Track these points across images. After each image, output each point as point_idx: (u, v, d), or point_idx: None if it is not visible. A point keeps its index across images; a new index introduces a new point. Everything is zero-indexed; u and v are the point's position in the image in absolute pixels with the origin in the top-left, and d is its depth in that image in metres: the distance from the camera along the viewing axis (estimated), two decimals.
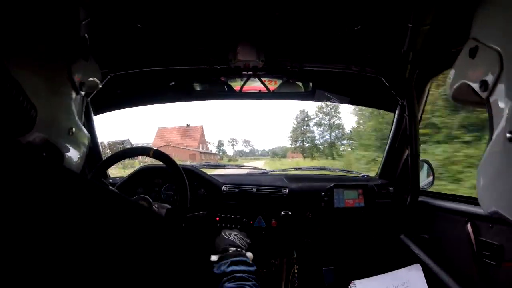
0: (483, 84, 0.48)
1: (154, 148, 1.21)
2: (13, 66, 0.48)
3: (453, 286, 1.11)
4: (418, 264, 1.29)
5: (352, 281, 1.33)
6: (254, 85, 1.59)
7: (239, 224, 1.56)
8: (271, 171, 1.98)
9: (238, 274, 0.86)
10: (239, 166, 2.15)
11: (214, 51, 1.40)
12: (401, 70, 1.30)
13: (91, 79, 0.74)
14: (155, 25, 1.19)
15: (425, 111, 1.54)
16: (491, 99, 0.48)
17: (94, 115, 1.61)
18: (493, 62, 0.46)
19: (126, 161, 1.42)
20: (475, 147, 2.81)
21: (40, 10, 0.55)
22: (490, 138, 0.49)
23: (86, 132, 0.72)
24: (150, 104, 1.91)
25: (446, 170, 2.95)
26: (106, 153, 1.91)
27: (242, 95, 1.61)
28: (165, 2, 1.06)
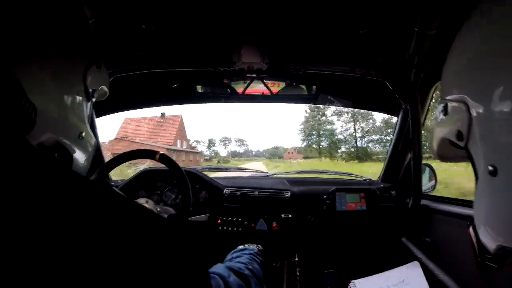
0: (459, 134, 0.52)
1: (161, 152, 1.21)
2: (30, 69, 0.49)
3: None
4: (416, 262, 1.29)
5: (352, 281, 1.33)
6: (257, 87, 1.58)
7: (240, 227, 1.55)
8: (273, 174, 1.99)
9: (246, 251, 0.94)
10: (241, 169, 2.16)
11: (218, 53, 1.40)
12: (406, 74, 1.30)
13: (101, 87, 0.76)
14: (159, 26, 1.19)
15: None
16: (469, 146, 0.51)
17: (97, 117, 1.60)
18: (463, 112, 0.50)
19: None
20: None
21: (54, 14, 0.56)
22: (476, 179, 0.52)
23: (93, 136, 0.73)
24: (152, 106, 1.91)
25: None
26: None
27: (245, 97, 1.61)
28: (170, 4, 1.06)
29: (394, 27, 1.14)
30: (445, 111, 0.56)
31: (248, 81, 1.54)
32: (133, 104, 1.83)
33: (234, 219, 1.56)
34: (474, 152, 0.51)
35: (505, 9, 0.43)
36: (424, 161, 1.44)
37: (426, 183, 1.55)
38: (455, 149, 0.55)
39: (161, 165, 1.28)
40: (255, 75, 1.49)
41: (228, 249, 1.57)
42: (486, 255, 0.97)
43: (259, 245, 1.16)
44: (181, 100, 1.82)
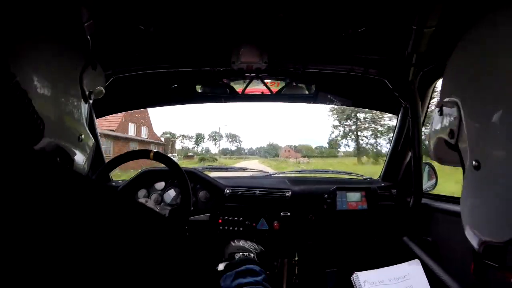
0: (451, 132, 0.56)
1: (154, 150, 1.21)
2: (26, 74, 0.49)
3: None
4: (417, 260, 1.29)
5: (355, 272, 1.33)
6: (257, 87, 1.58)
7: (241, 227, 1.56)
8: (273, 174, 1.99)
9: (252, 278, 0.81)
10: (242, 169, 2.16)
11: (217, 53, 1.40)
12: (405, 72, 1.30)
13: (98, 87, 0.76)
14: (157, 27, 1.19)
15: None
16: (459, 143, 0.55)
17: (96, 118, 1.60)
18: (454, 112, 0.54)
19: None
20: None
21: (47, 15, 0.56)
22: (464, 176, 0.55)
23: (92, 137, 0.73)
24: (152, 106, 1.92)
25: None
26: None
27: (244, 97, 1.61)
28: (168, 4, 1.06)
29: (392, 25, 1.14)
30: (440, 112, 0.61)
31: (248, 81, 1.54)
32: (133, 105, 1.84)
33: (235, 218, 1.56)
34: (462, 149, 0.55)
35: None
36: (424, 160, 1.44)
37: (426, 182, 1.55)
38: (450, 151, 0.59)
39: (161, 165, 1.29)
40: (254, 74, 1.49)
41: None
42: (487, 254, 0.97)
43: (256, 247, 1.13)
44: (181, 100, 1.82)
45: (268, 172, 2.06)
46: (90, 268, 0.25)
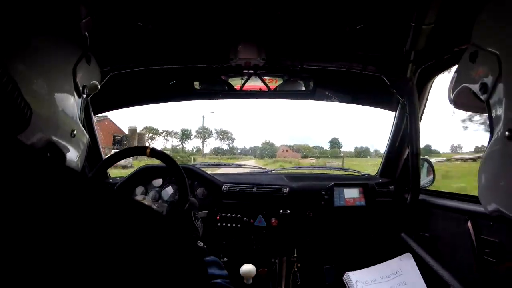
0: (483, 86, 0.50)
1: (150, 147, 1.21)
2: (18, 68, 0.49)
3: (454, 284, 1.12)
4: (409, 253, 1.30)
5: (346, 272, 1.34)
6: (255, 83, 1.58)
7: (239, 224, 1.56)
8: (271, 170, 1.99)
9: (218, 280, 0.74)
10: (240, 165, 2.16)
11: (215, 50, 1.39)
12: (403, 69, 1.30)
13: (92, 82, 0.75)
14: (156, 23, 1.19)
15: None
16: (491, 101, 0.50)
17: (94, 115, 1.60)
18: (492, 65, 0.48)
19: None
20: None
21: (43, 10, 0.55)
22: (491, 138, 0.51)
23: (85, 133, 0.72)
24: (150, 103, 1.91)
25: None
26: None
27: (242, 93, 1.60)
28: (167, 1, 1.06)
29: (390, 22, 1.14)
30: (473, 58, 0.54)
31: (246, 77, 1.54)
32: (131, 101, 1.83)
33: (233, 215, 1.57)
34: (494, 110, 0.49)
35: None
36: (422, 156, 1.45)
37: (424, 178, 1.56)
38: (473, 98, 0.54)
39: (159, 162, 1.29)
40: (252, 71, 1.49)
41: (227, 245, 1.58)
42: (484, 249, 0.99)
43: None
44: (179, 96, 1.82)
45: (265, 168, 2.06)
46: (82, 268, 0.25)
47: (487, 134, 0.54)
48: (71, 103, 0.65)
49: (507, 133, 0.45)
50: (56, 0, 0.64)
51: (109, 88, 1.34)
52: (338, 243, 1.66)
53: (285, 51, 1.41)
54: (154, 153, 1.20)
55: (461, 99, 0.60)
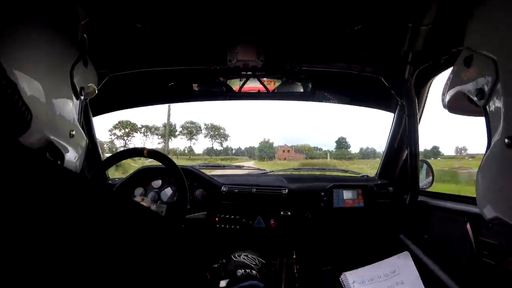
0: (480, 92, 0.48)
1: (148, 148, 1.21)
2: (17, 71, 0.49)
3: (452, 285, 1.12)
4: (407, 252, 1.29)
5: (343, 273, 1.33)
6: (253, 85, 1.58)
7: (238, 225, 1.56)
8: (270, 172, 1.99)
9: None
10: (239, 167, 2.16)
11: (213, 52, 1.39)
12: (401, 70, 1.30)
13: (89, 84, 0.76)
14: (154, 25, 1.19)
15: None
16: (488, 107, 0.48)
17: (93, 117, 1.60)
18: (489, 70, 0.46)
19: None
20: None
21: (42, 13, 0.55)
22: (489, 144, 0.50)
23: (84, 134, 0.73)
24: (149, 105, 1.91)
25: None
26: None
27: (241, 95, 1.61)
28: (165, 3, 1.06)
29: (388, 23, 1.14)
30: (467, 62, 0.52)
31: (244, 79, 1.54)
32: (130, 103, 1.83)
33: (232, 216, 1.57)
34: (492, 116, 0.48)
35: None
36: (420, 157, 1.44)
37: (423, 179, 1.56)
38: (468, 103, 0.52)
39: (158, 163, 1.29)
40: (251, 72, 1.49)
41: (226, 247, 1.58)
42: (483, 251, 0.98)
43: (257, 262, 1.11)
44: (178, 98, 1.82)
45: (264, 170, 2.06)
46: (81, 268, 0.25)
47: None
48: (69, 105, 0.66)
49: (506, 140, 0.44)
50: (55, 3, 0.64)
51: (108, 89, 1.34)
52: (337, 244, 1.66)
53: (284, 52, 1.42)
54: (153, 154, 1.20)
55: (456, 103, 0.59)
